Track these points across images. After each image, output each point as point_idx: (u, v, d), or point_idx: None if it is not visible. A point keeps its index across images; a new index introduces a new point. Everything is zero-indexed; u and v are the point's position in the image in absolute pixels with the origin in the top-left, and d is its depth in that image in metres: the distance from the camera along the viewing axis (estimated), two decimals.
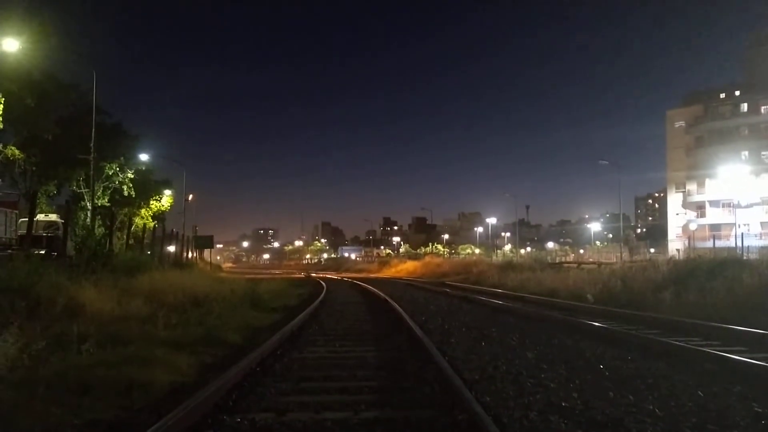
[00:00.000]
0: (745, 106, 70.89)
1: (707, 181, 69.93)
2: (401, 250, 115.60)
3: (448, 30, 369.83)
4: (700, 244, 49.87)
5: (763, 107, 68.92)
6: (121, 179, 35.08)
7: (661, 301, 14.01)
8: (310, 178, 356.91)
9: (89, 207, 28.15)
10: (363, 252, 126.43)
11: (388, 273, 58.07)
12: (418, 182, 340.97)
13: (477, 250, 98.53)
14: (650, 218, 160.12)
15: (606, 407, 5.28)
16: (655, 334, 9.86)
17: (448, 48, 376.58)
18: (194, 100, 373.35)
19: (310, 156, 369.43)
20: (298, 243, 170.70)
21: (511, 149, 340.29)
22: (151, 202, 40.34)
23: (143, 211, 39.14)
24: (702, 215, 70.60)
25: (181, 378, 6.50)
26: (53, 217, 25.50)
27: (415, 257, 75.66)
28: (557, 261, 46.44)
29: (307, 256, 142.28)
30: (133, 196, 36.20)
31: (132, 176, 35.92)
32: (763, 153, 67.27)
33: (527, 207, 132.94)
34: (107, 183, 34.64)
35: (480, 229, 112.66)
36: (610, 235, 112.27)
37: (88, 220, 25.46)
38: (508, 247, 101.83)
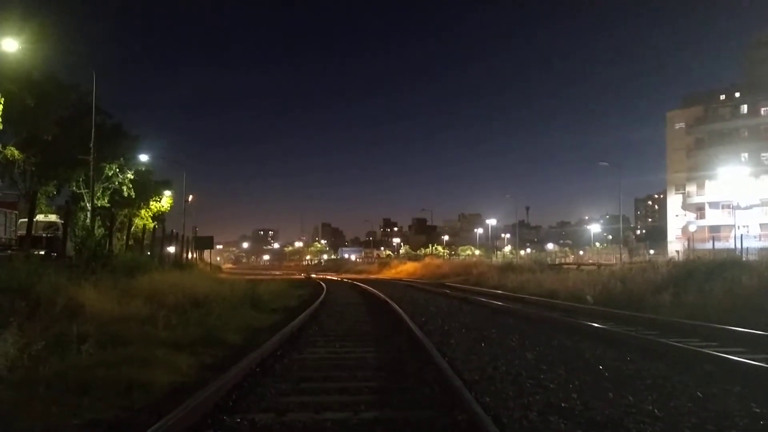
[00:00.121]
0: (745, 108, 70.91)
1: (707, 182, 69.96)
2: (401, 251, 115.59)
3: (448, 30, 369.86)
4: (699, 246, 49.86)
5: (763, 109, 68.96)
6: (120, 180, 35.09)
7: (660, 302, 14.02)
8: (310, 178, 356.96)
9: (89, 207, 28.16)
10: (363, 253, 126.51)
11: (388, 274, 58.10)
12: (418, 183, 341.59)
13: (477, 252, 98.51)
14: (650, 220, 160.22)
15: (605, 408, 5.29)
16: (654, 335, 9.87)
17: (448, 48, 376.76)
18: (194, 101, 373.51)
19: (310, 157, 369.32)
20: (298, 244, 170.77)
21: (511, 150, 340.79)
22: (151, 203, 40.31)
23: (143, 211, 39.11)
24: (701, 217, 70.60)
25: (181, 378, 6.51)
26: (53, 217, 25.49)
27: (415, 258, 75.66)
28: (557, 262, 46.46)
29: (307, 257, 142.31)
30: (133, 196, 36.20)
31: (132, 177, 35.93)
32: (762, 155, 67.32)
33: (527, 208, 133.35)
34: (107, 184, 34.63)
35: (480, 231, 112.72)
36: (610, 237, 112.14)
37: (88, 220, 25.45)
38: (508, 249, 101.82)
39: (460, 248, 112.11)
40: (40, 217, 23.36)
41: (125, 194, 35.32)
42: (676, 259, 22.72)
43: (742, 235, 38.38)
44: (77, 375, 6.02)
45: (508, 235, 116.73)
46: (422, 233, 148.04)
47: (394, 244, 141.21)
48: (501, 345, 9.24)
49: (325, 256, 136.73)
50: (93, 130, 25.95)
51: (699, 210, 71.68)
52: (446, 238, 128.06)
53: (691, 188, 72.95)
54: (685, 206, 73.58)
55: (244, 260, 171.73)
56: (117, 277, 13.49)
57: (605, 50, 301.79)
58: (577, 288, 19.00)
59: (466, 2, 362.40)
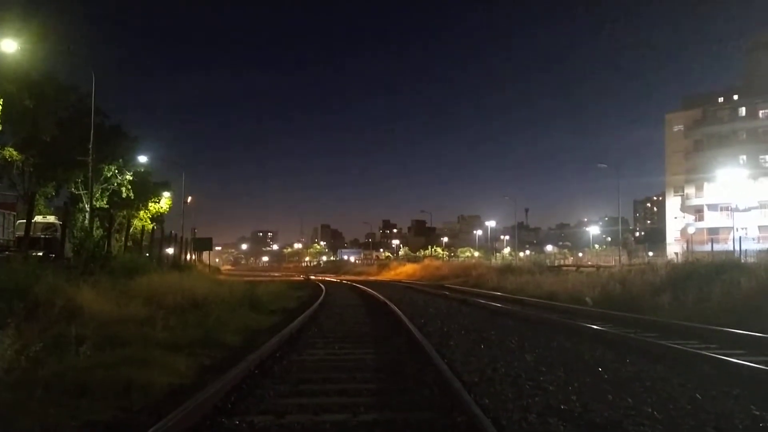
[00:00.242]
0: (743, 111, 71.03)
1: (706, 184, 70.03)
2: (400, 253, 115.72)
3: (448, 30, 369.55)
4: (698, 248, 49.79)
5: (761, 111, 69.10)
6: (119, 181, 35.10)
7: (659, 304, 14.03)
8: (309, 180, 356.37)
9: (88, 209, 28.14)
10: (362, 255, 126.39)
11: (387, 276, 58.08)
12: (418, 185, 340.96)
13: (476, 253, 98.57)
14: (649, 222, 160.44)
15: (605, 410, 5.28)
16: (653, 337, 9.87)
17: (448, 48, 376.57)
18: (194, 102, 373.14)
19: (310, 158, 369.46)
20: (297, 245, 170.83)
21: (510, 152, 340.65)
22: (150, 204, 40.31)
23: (142, 213, 39.11)
24: (700, 219, 70.67)
25: (180, 380, 6.49)
26: (51, 218, 25.49)
27: (415, 260, 75.70)
28: (556, 264, 46.42)
29: (306, 258, 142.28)
30: (132, 197, 36.21)
31: (131, 178, 35.95)
32: (761, 157, 67.44)
33: (526, 210, 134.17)
34: (106, 185, 34.64)
35: (479, 232, 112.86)
36: (609, 239, 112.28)
37: (87, 221, 25.45)
38: (507, 250, 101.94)
39: (459, 250, 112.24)
40: (38, 218, 23.35)
41: (124, 195, 35.33)
42: (675, 261, 22.75)
43: (740, 237, 38.35)
44: (75, 376, 6.00)
45: (507, 237, 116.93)
46: (421, 235, 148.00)
47: (393, 245, 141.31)
48: (500, 347, 9.23)
49: (324, 258, 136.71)
50: (92, 131, 25.92)
51: (698, 212, 71.76)
52: (445, 239, 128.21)
53: (690, 190, 73.05)
54: (684, 208, 73.68)
55: (243, 262, 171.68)
56: (115, 279, 13.45)
57: (605, 50, 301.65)
58: (576, 290, 18.99)
59: (466, 2, 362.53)
